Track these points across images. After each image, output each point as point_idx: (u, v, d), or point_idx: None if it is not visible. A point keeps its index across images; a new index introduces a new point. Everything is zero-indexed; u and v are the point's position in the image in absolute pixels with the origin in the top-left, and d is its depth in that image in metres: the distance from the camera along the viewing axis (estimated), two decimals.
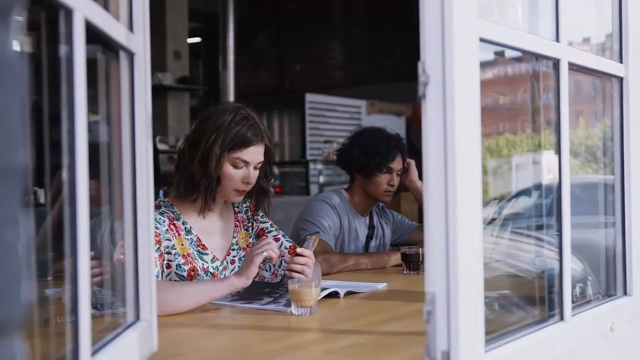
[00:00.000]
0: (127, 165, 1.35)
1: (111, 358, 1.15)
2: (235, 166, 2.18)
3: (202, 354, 1.57)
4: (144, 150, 1.37)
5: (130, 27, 1.35)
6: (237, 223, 2.37)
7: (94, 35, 1.11)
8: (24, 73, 0.57)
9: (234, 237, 2.34)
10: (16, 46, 0.56)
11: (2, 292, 0.53)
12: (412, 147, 4.69)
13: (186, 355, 1.53)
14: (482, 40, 1.25)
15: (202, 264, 2.20)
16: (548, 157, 1.83)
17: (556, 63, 1.51)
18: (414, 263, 2.64)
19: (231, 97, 8.83)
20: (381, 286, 2.34)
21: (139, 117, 1.37)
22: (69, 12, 0.99)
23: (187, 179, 2.19)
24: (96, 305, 1.34)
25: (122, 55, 1.33)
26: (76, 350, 1.00)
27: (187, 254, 2.18)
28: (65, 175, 1.00)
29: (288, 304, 1.91)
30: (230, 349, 1.59)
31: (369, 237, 3.12)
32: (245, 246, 2.36)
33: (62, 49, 1.01)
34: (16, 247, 0.54)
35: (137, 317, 1.37)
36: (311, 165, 7.48)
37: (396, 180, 3.01)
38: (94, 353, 1.08)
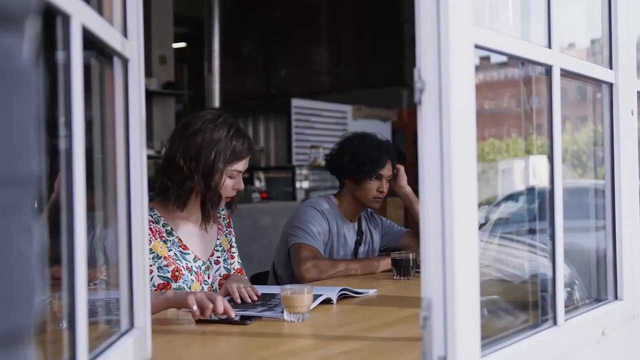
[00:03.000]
0: (121, 171, 1.35)
1: None
2: (231, 177, 2.29)
3: None
4: (138, 156, 1.37)
5: (125, 33, 1.34)
6: (220, 226, 2.46)
7: (88, 41, 1.10)
8: (37, 81, 0.57)
9: (218, 239, 2.42)
10: (30, 54, 0.56)
11: (18, 301, 0.53)
12: (398, 152, 4.68)
13: None
14: (477, 46, 1.25)
15: (186, 264, 2.26)
16: (535, 162, 1.84)
17: (548, 69, 1.52)
18: (404, 268, 2.64)
19: (217, 103, 8.82)
20: (372, 292, 2.34)
21: (133, 123, 1.36)
22: (66, 18, 0.99)
23: (186, 192, 2.25)
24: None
25: (116, 61, 1.33)
26: (73, 357, 1.00)
27: (168, 256, 2.23)
28: (62, 181, 0.99)
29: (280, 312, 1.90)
30: (224, 356, 1.58)
31: (358, 243, 3.12)
32: (227, 249, 2.44)
33: (59, 55, 1.01)
34: (30, 255, 0.54)
35: (132, 325, 1.36)
36: (297, 171, 7.46)
37: (385, 187, 3.01)
38: None
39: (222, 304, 1.83)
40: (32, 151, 0.55)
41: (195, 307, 1.81)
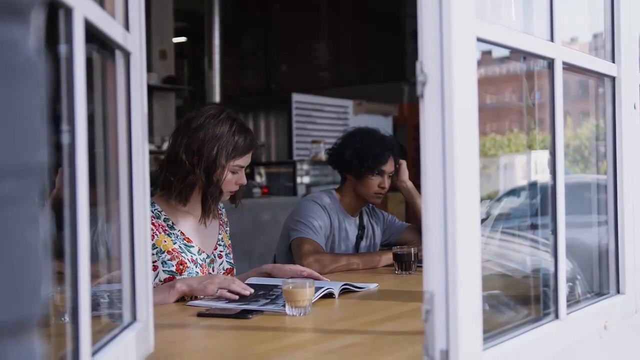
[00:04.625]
0: (124, 165, 1.35)
1: (110, 359, 1.14)
2: (233, 172, 2.30)
3: (199, 354, 1.56)
4: (140, 150, 1.37)
5: (127, 26, 1.34)
6: (221, 222, 2.48)
7: (90, 34, 1.10)
8: (43, 72, 0.57)
9: (219, 234, 2.44)
10: (36, 45, 0.56)
11: (25, 291, 0.53)
12: (400, 148, 4.72)
13: (182, 356, 1.53)
14: (479, 40, 1.25)
15: (191, 256, 2.28)
16: (537, 157, 1.84)
17: (551, 63, 1.52)
18: (405, 263, 2.65)
19: (217, 98, 8.81)
20: (373, 286, 2.34)
21: (135, 117, 1.36)
22: (68, 11, 0.98)
23: (189, 186, 2.27)
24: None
25: (118, 55, 1.33)
26: (76, 351, 1.00)
27: (172, 249, 2.24)
28: (65, 176, 0.99)
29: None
30: (226, 349, 1.59)
31: (359, 238, 3.12)
32: (227, 245, 2.47)
33: (62, 48, 1.00)
34: (37, 246, 0.54)
35: (134, 318, 1.36)
36: (298, 166, 7.46)
37: (387, 183, 3.01)
38: (93, 354, 1.07)
39: (236, 287, 2.04)
40: (39, 142, 0.56)
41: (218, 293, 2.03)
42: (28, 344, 0.54)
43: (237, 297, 2.02)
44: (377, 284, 2.37)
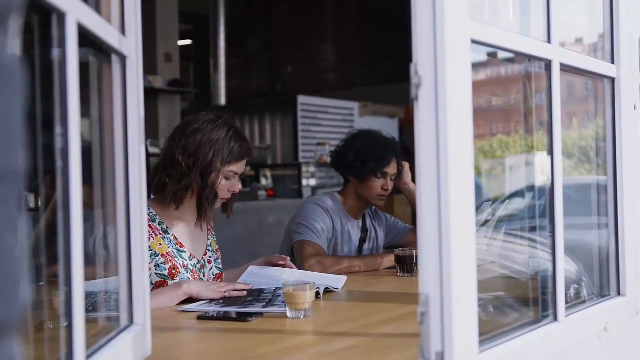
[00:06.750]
0: (120, 169, 1.35)
1: None
2: (227, 178, 2.32)
3: (197, 358, 1.56)
4: (136, 154, 1.37)
5: (123, 31, 1.34)
6: (210, 228, 2.50)
7: (85, 38, 1.11)
8: (22, 77, 0.57)
9: (209, 239, 2.46)
10: (14, 50, 0.56)
11: (3, 295, 0.53)
12: (405, 149, 4.70)
13: (180, 359, 1.53)
14: (473, 41, 1.25)
15: (182, 262, 2.30)
16: (541, 159, 1.84)
17: (548, 64, 1.52)
18: (407, 265, 2.64)
19: (222, 100, 8.81)
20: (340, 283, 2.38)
21: (132, 120, 1.36)
22: (61, 16, 0.99)
23: (183, 189, 2.28)
24: (88, 308, 1.34)
25: (114, 59, 1.33)
26: (71, 354, 1.00)
27: (167, 253, 2.27)
28: (58, 179, 1.00)
29: (284, 305, 1.90)
30: (225, 352, 1.59)
31: (362, 240, 3.12)
32: (215, 250, 2.49)
33: (55, 53, 1.01)
34: (15, 249, 0.54)
35: (131, 321, 1.36)
36: (304, 168, 7.45)
37: (390, 185, 3.00)
38: (88, 357, 1.08)
39: (240, 285, 2.20)
40: (17, 146, 0.56)
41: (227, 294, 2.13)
42: (7, 347, 0.54)
43: (245, 292, 2.15)
44: (345, 277, 2.40)
